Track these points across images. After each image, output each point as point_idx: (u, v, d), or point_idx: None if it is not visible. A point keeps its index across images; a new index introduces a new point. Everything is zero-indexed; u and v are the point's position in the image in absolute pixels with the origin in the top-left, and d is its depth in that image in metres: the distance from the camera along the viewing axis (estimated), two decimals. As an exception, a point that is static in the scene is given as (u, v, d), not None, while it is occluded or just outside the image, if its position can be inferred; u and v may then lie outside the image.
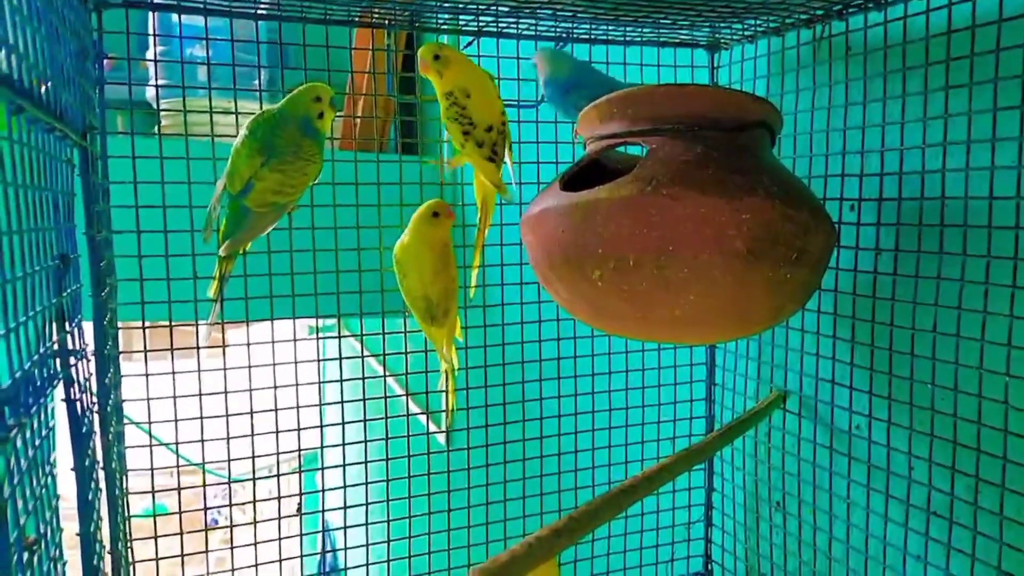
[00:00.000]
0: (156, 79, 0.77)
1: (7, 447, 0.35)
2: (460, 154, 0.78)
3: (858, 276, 0.78)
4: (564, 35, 0.87)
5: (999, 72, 0.61)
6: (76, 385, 0.53)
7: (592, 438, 0.98)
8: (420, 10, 0.78)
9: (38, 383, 0.43)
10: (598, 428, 0.98)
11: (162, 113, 0.86)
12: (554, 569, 0.84)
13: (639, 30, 0.87)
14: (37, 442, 0.45)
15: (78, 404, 0.53)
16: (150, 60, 0.79)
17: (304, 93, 0.71)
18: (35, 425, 0.43)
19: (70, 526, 0.54)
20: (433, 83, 0.76)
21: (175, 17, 0.75)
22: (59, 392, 0.52)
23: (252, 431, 0.81)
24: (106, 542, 0.64)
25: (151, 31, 0.80)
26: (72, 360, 0.52)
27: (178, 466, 0.80)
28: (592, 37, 0.88)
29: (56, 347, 0.49)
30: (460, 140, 0.77)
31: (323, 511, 0.87)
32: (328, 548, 2.77)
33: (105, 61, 0.72)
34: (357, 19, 0.80)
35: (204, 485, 0.83)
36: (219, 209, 0.71)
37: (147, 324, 0.77)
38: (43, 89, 0.43)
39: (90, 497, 0.55)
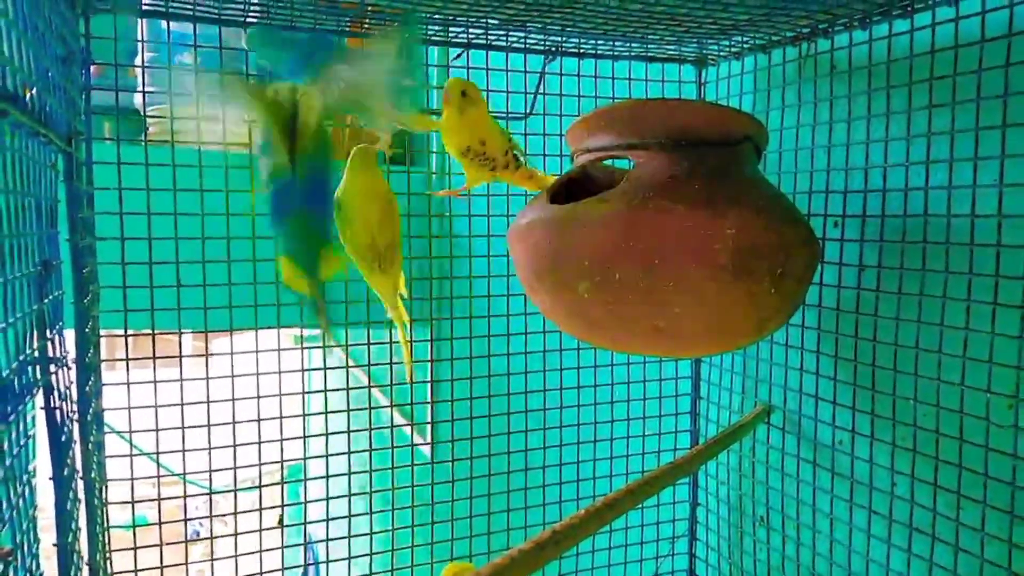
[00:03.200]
0: (143, 85, 0.77)
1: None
2: (483, 180, 0.79)
3: (842, 292, 0.78)
4: (553, 48, 0.87)
5: (981, 92, 0.62)
6: (56, 393, 0.52)
7: (577, 451, 0.98)
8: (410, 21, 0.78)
9: (17, 390, 0.43)
10: (583, 441, 0.98)
11: (149, 120, 0.85)
12: None
13: (627, 45, 0.88)
14: (16, 451, 0.44)
15: (58, 412, 0.53)
16: (137, 66, 0.79)
17: None
18: (14, 434, 0.43)
19: (47, 537, 0.54)
20: (446, 121, 0.75)
21: (163, 24, 0.75)
22: (38, 400, 0.51)
23: (234, 441, 0.80)
24: (84, 553, 0.63)
25: (139, 37, 0.80)
26: (52, 368, 0.52)
27: (159, 476, 0.79)
28: (580, 51, 0.89)
29: (36, 354, 0.48)
30: (489, 177, 0.78)
31: (305, 523, 0.86)
32: (310, 561, 2.75)
33: (92, 68, 0.71)
34: (347, 28, 0.80)
35: (184, 496, 0.82)
36: None
37: (129, 332, 0.76)
38: (28, 95, 0.43)
39: (68, 507, 0.54)
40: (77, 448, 0.61)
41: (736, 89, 0.92)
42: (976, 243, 0.64)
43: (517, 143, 0.79)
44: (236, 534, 0.82)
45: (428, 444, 1.24)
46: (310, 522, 0.87)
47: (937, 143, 0.68)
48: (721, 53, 0.90)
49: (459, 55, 0.85)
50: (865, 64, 0.74)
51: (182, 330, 0.80)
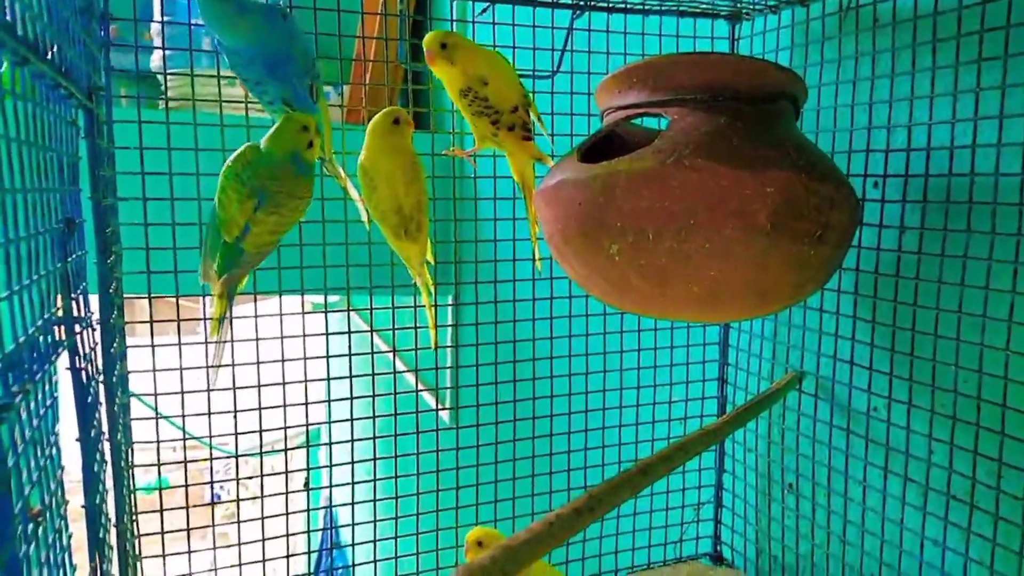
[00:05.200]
0: (163, 45, 0.75)
1: (11, 414, 0.33)
2: (488, 142, 0.76)
3: (881, 255, 0.76)
4: (581, 2, 0.84)
5: (1036, 43, 0.59)
6: (80, 354, 0.51)
7: (603, 417, 0.97)
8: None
9: (42, 349, 0.42)
10: (609, 407, 0.97)
11: (167, 80, 0.84)
12: (552, 571, 0.83)
13: (659, -1, 0.85)
14: (41, 411, 0.43)
15: (83, 374, 0.52)
16: (157, 21, 0.77)
17: (288, 126, 0.66)
18: (39, 394, 0.42)
19: (74, 499, 0.53)
20: (442, 77, 0.73)
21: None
22: (62, 362, 0.50)
23: (259, 404, 0.79)
24: (112, 516, 0.63)
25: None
26: (77, 328, 0.51)
27: (184, 440, 0.79)
28: (610, 5, 0.86)
29: (60, 314, 0.47)
30: (490, 131, 0.74)
31: (331, 486, 0.85)
32: (331, 525, 2.78)
33: (110, 29, 0.69)
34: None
35: (211, 458, 0.82)
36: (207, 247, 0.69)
37: (152, 296, 0.75)
38: (46, 42, 0.42)
39: (96, 469, 0.54)
40: (103, 410, 0.60)
41: (772, 45, 0.88)
42: (1026, 203, 0.61)
43: (536, 112, 0.76)
44: (262, 496, 0.81)
45: (448, 409, 1.24)
46: (335, 485, 0.86)
47: (986, 99, 0.65)
48: (757, 6, 0.87)
49: (485, 10, 0.83)
50: (910, 16, 0.71)
51: (205, 295, 0.79)
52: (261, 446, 0.82)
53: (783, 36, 0.87)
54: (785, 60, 0.87)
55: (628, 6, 0.87)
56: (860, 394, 0.80)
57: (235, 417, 0.78)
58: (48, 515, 0.43)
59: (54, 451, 0.46)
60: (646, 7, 0.87)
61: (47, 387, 0.45)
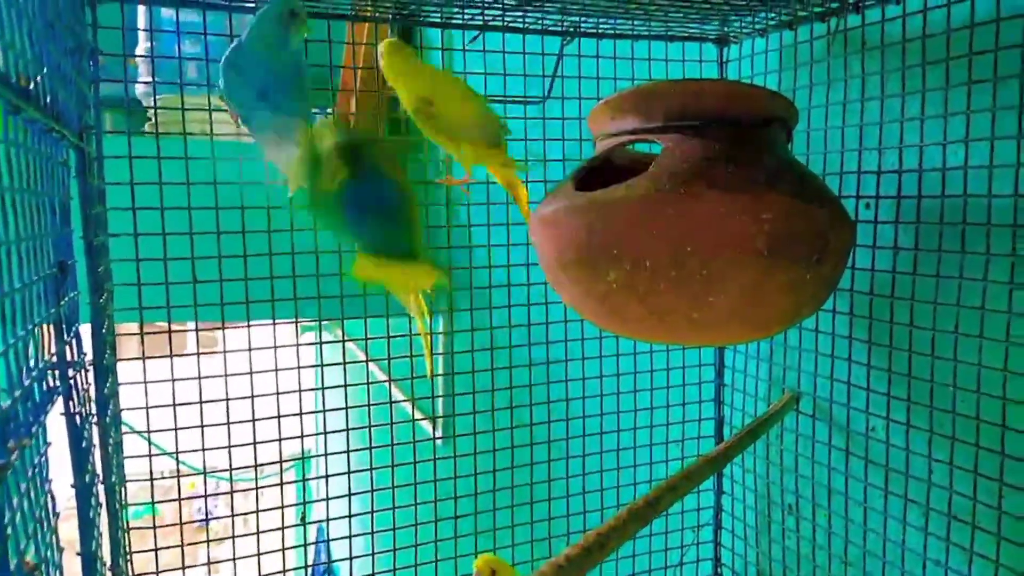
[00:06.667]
0: (153, 76, 0.74)
1: (8, 472, 0.33)
2: (467, 161, 0.75)
3: (875, 276, 0.76)
4: (571, 29, 0.85)
5: (1025, 67, 0.60)
6: (75, 398, 0.50)
7: (600, 441, 0.96)
8: (422, 4, 0.76)
9: (37, 399, 0.41)
10: (607, 431, 0.96)
11: (151, 111, 0.83)
12: None
13: (647, 24, 0.85)
14: (36, 459, 0.42)
15: (77, 417, 0.51)
16: (146, 56, 0.76)
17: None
18: (35, 444, 0.41)
19: (67, 538, 0.52)
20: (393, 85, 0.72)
21: (164, 12, 0.72)
22: (56, 406, 0.49)
23: (254, 437, 0.78)
24: (107, 559, 0.61)
25: (140, 27, 0.78)
26: (71, 372, 0.50)
27: (178, 476, 0.77)
28: (600, 31, 0.86)
29: (54, 359, 0.46)
30: (454, 147, 0.74)
31: (328, 520, 0.84)
32: (328, 559, 2.74)
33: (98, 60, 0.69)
34: (357, 13, 0.78)
35: (205, 496, 0.80)
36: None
37: (146, 331, 0.74)
38: (38, 87, 0.41)
39: (91, 515, 0.53)
40: (96, 452, 0.59)
41: (760, 68, 0.89)
42: (1019, 224, 0.62)
43: (503, 136, 0.75)
44: (258, 532, 0.80)
45: (444, 438, 1.23)
46: (331, 518, 0.85)
47: (977, 121, 0.65)
48: (744, 30, 0.87)
49: (475, 38, 0.83)
50: (898, 40, 0.71)
51: (197, 323, 0.78)
52: (256, 476, 0.81)
53: (771, 59, 0.88)
54: (774, 83, 0.87)
55: (617, 32, 0.87)
56: (857, 415, 0.80)
57: (229, 452, 0.77)
58: (44, 569, 0.42)
59: (49, 500, 0.45)
60: (635, 33, 0.88)
61: (41, 435, 0.44)
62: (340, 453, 0.83)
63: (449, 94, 0.72)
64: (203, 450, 0.76)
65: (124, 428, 0.72)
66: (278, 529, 0.81)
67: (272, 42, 0.65)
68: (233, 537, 0.79)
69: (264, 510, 0.81)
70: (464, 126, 0.72)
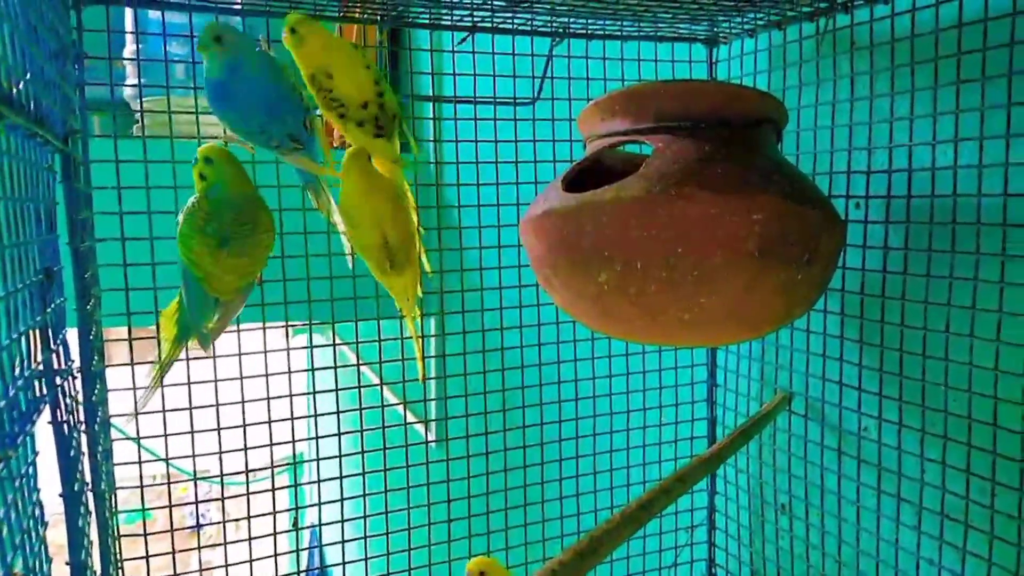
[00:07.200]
0: (139, 78, 0.74)
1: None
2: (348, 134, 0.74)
3: (866, 275, 0.76)
4: (560, 30, 0.84)
5: (1013, 66, 0.60)
6: (62, 406, 0.50)
7: (593, 443, 0.96)
8: (410, 5, 0.75)
9: (24, 408, 0.40)
10: (600, 432, 0.96)
11: (140, 113, 0.82)
12: None
13: (636, 25, 0.85)
14: (24, 470, 0.42)
15: (65, 426, 0.50)
16: (132, 59, 0.75)
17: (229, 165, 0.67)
18: (23, 454, 0.40)
19: (56, 545, 0.51)
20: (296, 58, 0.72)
21: (150, 14, 0.72)
22: (44, 414, 0.49)
23: (244, 442, 0.78)
24: (96, 568, 0.61)
25: (126, 29, 0.77)
26: (58, 380, 0.49)
27: (168, 483, 0.77)
28: (589, 32, 0.86)
29: (41, 368, 0.46)
30: (340, 125, 0.73)
31: (320, 525, 0.84)
32: (321, 565, 2.73)
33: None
34: (345, 14, 0.77)
35: (196, 502, 0.80)
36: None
37: (132, 337, 0.73)
38: (21, 92, 0.40)
39: (80, 524, 0.52)
40: (85, 460, 0.59)
41: (749, 68, 0.89)
42: (1009, 223, 0.62)
43: (397, 112, 0.74)
44: (250, 539, 0.79)
45: (437, 441, 1.22)
46: (324, 523, 0.85)
47: (966, 120, 0.65)
48: (734, 31, 0.87)
49: (464, 39, 0.82)
50: (887, 39, 0.71)
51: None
52: (248, 481, 0.80)
53: (760, 59, 0.88)
54: (763, 83, 0.87)
55: (607, 33, 0.87)
56: (850, 414, 0.80)
57: (220, 458, 0.76)
58: (32, 579, 0.41)
59: (37, 510, 0.45)
60: (624, 33, 0.87)
61: (28, 444, 0.44)
62: (333, 457, 0.83)
63: (347, 68, 0.71)
64: (193, 456, 0.75)
65: (115, 434, 0.72)
66: (270, 535, 0.80)
67: (224, 70, 0.65)
68: (225, 543, 0.78)
69: (255, 516, 0.80)
70: (355, 105, 0.71)
